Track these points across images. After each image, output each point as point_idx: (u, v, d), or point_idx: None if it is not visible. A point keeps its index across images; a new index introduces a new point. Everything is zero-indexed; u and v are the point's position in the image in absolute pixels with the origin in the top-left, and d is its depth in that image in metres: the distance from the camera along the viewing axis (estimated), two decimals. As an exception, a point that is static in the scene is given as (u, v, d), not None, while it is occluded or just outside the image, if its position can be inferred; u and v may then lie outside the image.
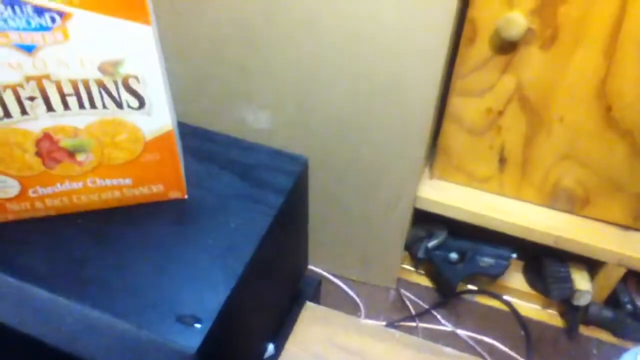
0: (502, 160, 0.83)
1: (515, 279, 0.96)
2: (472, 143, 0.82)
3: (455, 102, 0.78)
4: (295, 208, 0.56)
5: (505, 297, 0.96)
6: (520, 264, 0.98)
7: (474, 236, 0.91)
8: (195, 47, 0.76)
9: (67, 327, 0.43)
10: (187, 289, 0.44)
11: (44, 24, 0.36)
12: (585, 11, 0.65)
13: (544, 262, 0.91)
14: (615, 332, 0.91)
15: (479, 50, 0.72)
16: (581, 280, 0.87)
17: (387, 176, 0.83)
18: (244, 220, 0.50)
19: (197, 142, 0.56)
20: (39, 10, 0.36)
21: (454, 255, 0.91)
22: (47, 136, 0.43)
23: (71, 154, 0.44)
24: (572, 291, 0.86)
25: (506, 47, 0.71)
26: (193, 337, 0.41)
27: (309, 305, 0.63)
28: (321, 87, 0.76)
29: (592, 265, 0.88)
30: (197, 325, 0.42)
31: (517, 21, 0.68)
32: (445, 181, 0.88)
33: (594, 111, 0.73)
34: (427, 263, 0.95)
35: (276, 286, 0.59)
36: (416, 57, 0.70)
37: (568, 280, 0.87)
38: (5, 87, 0.39)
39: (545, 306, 0.96)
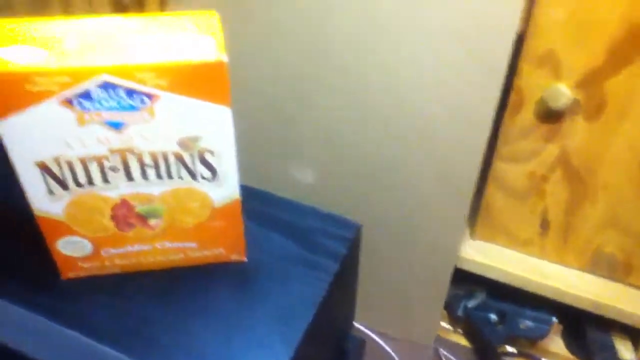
0: (544, 225, 0.83)
1: (555, 343, 0.95)
2: (514, 206, 0.83)
3: (500, 167, 0.80)
4: (349, 272, 0.58)
5: (545, 361, 0.95)
6: (560, 327, 0.97)
7: (513, 298, 0.91)
8: (249, 104, 0.80)
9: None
10: (247, 356, 0.45)
11: (133, 104, 0.39)
12: (632, 85, 0.67)
13: (586, 328, 0.90)
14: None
15: (524, 118, 0.74)
16: (625, 350, 0.86)
17: (429, 236, 0.84)
18: (301, 286, 0.51)
19: (253, 203, 0.58)
20: (130, 93, 0.39)
21: (493, 316, 0.91)
22: (124, 202, 0.46)
23: (144, 218, 0.47)
24: (614, 359, 0.85)
25: (552, 116, 0.73)
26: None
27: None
28: (368, 149, 0.78)
29: (636, 334, 0.87)
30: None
31: (563, 92, 0.70)
32: (486, 242, 0.88)
33: (639, 181, 0.74)
34: (466, 323, 0.95)
35: (326, 347, 0.60)
36: (462, 123, 0.72)
37: (611, 348, 0.86)
38: (91, 159, 0.42)
39: (586, 372, 0.94)
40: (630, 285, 0.84)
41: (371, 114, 0.75)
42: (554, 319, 0.89)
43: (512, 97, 0.73)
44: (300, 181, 0.84)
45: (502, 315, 0.91)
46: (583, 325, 0.90)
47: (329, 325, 0.57)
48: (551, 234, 0.84)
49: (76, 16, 0.41)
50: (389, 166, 0.79)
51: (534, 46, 0.68)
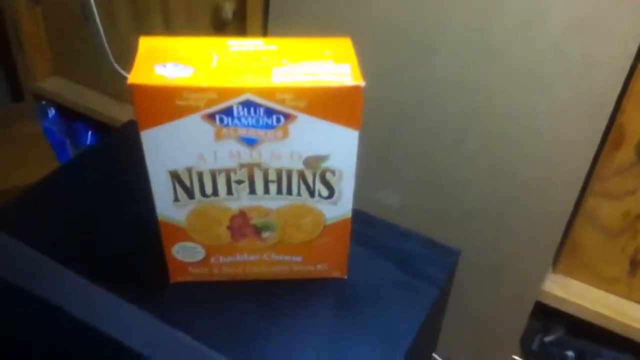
0: (634, 265, 0.81)
1: (634, 387, 0.92)
2: (604, 244, 0.81)
3: (592, 203, 0.78)
4: (445, 299, 0.58)
5: (620, 404, 0.92)
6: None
7: (592, 337, 0.89)
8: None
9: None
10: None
11: (270, 123, 0.41)
12: None
13: (669, 374, 0.87)
14: None
15: (623, 155, 0.73)
16: None
17: (514, 268, 0.83)
18: (401, 309, 0.52)
19: (357, 225, 0.59)
20: (269, 112, 0.40)
21: (571, 354, 0.89)
22: (242, 214, 0.47)
23: (258, 231, 0.49)
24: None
25: (653, 155, 0.71)
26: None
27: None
28: (459, 178, 0.78)
29: None
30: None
31: (668, 131, 0.68)
32: (570, 277, 0.87)
33: None
34: (540, 357, 0.93)
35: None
36: (562, 158, 0.71)
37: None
38: (221, 171, 0.44)
39: (665, 420, 0.91)
40: None
41: (477, 146, 0.75)
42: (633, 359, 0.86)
43: (613, 133, 0.72)
44: (398, 208, 0.84)
45: (579, 353, 0.88)
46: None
47: (418, 351, 0.57)
48: (640, 275, 0.81)
49: (221, 38, 0.43)
50: (484, 197, 0.78)
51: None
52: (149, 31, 0.96)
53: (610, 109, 0.66)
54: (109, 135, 0.72)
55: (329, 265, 0.53)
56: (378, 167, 0.82)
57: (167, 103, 0.39)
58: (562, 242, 0.85)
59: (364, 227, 0.58)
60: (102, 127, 1.22)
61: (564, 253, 0.85)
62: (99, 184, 0.63)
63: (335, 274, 0.54)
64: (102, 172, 0.64)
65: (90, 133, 1.25)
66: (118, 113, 1.14)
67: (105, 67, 1.02)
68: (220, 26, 0.93)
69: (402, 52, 0.73)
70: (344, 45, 0.43)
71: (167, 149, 0.42)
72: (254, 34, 0.87)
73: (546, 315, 0.90)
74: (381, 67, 0.75)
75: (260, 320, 0.50)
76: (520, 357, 0.97)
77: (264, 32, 0.87)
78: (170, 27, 0.98)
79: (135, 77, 0.40)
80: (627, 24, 0.61)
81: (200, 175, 0.44)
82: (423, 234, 0.59)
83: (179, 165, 0.43)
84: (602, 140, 0.74)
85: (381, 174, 0.83)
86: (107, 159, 0.66)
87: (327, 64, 0.42)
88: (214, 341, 0.48)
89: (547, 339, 0.89)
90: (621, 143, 0.72)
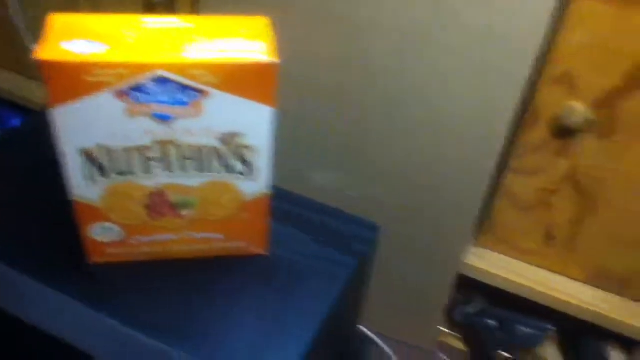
0: (549, 237, 0.85)
1: (551, 351, 0.98)
2: (521, 218, 0.85)
3: (510, 179, 0.82)
4: (365, 272, 0.60)
5: (538, 369, 0.97)
6: (558, 336, 1.00)
7: (512, 306, 0.93)
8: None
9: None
10: (267, 342, 0.47)
11: (182, 99, 0.41)
12: (646, 108, 0.69)
13: (582, 338, 0.92)
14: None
15: (538, 133, 0.76)
16: (617, 359, 0.89)
17: (435, 241, 0.86)
18: (320, 281, 0.53)
19: (277, 202, 0.60)
20: (181, 88, 0.40)
21: (492, 322, 0.93)
22: (159, 192, 0.47)
23: (177, 209, 0.48)
24: (607, 370, 0.88)
25: (565, 133, 0.75)
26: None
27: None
28: (382, 157, 0.80)
29: (630, 345, 0.90)
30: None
31: (578, 110, 0.72)
32: (490, 250, 0.90)
33: (645, 200, 0.76)
34: (465, 328, 0.97)
35: (336, 344, 0.62)
36: (477, 135, 0.74)
37: (604, 357, 0.88)
38: (135, 149, 0.44)
39: (577, 381, 0.97)
40: (628, 298, 0.86)
41: (401, 126, 0.77)
42: (551, 327, 0.91)
43: (528, 112, 0.75)
44: (323, 185, 0.85)
45: (500, 322, 0.93)
46: (579, 335, 0.93)
47: (342, 321, 0.59)
48: (555, 246, 0.86)
49: (134, 15, 0.42)
50: (402, 171, 0.81)
51: (554, 66, 0.70)
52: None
53: (521, 86, 0.69)
54: (29, 117, 0.70)
55: (250, 241, 0.53)
56: (308, 148, 0.83)
57: (77, 79, 0.38)
58: (483, 217, 0.89)
59: (285, 203, 0.59)
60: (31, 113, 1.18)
61: (484, 227, 0.89)
62: (18, 167, 0.61)
63: (256, 251, 0.54)
64: (22, 155, 0.62)
65: (20, 120, 1.20)
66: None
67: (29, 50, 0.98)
68: (150, 7, 0.90)
69: (334, 33, 0.74)
70: (261, 24, 0.44)
71: (79, 127, 0.42)
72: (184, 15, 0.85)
73: (469, 287, 0.94)
74: (312, 46, 0.75)
75: (180, 297, 0.50)
76: (446, 328, 1.01)
77: (195, 13, 0.86)
78: (98, 9, 0.95)
79: (44, 52, 0.39)
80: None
81: (113, 153, 0.43)
82: (344, 210, 0.60)
83: (92, 143, 0.43)
84: (520, 119, 0.77)
85: (312, 155, 0.84)
86: (26, 141, 0.64)
87: (241, 41, 0.42)
88: (134, 319, 0.48)
89: (470, 309, 0.93)
90: (536, 121, 0.76)
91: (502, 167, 0.81)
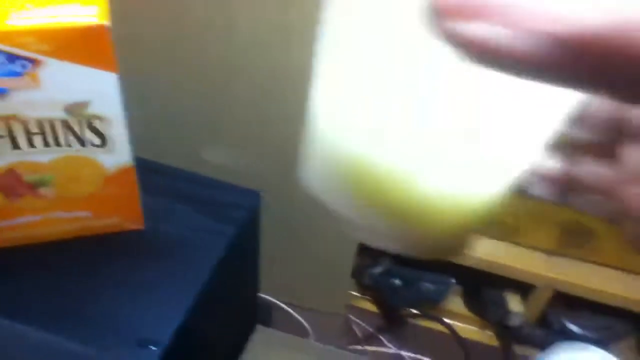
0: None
1: (455, 303, 1.02)
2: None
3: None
4: (249, 239, 0.60)
5: (446, 320, 1.01)
6: (460, 289, 1.04)
7: (416, 264, 0.97)
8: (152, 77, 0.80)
9: (27, 354, 0.45)
10: (145, 314, 0.47)
11: (15, 70, 0.39)
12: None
13: (481, 287, 0.97)
14: (545, 350, 0.97)
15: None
16: (514, 303, 0.93)
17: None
18: (198, 250, 0.53)
19: (152, 176, 0.59)
20: (11, 58, 0.39)
21: (397, 282, 0.96)
22: (10, 171, 0.45)
23: (34, 188, 0.47)
24: (505, 313, 0.93)
25: None
26: (151, 358, 0.43)
27: (260, 328, 0.66)
28: (270, 123, 0.80)
29: (524, 289, 0.95)
30: (154, 348, 0.44)
31: None
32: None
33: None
34: (373, 289, 1.00)
35: (229, 313, 0.62)
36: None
37: (502, 303, 0.93)
38: (-26, 127, 0.42)
39: (483, 328, 1.01)
40: (518, 244, 0.91)
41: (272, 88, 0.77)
42: (452, 281, 0.95)
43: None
44: (208, 159, 0.85)
45: (405, 280, 0.96)
46: (479, 286, 0.97)
47: (230, 289, 0.59)
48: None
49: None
50: (287, 137, 0.81)
51: None
52: None
53: None
54: None
55: (122, 217, 0.52)
56: (192, 119, 0.82)
57: None
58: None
59: (160, 177, 0.59)
60: None
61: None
62: None
63: (132, 226, 0.53)
64: None
65: None
66: None
67: None
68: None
69: None
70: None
71: None
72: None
73: (373, 249, 0.97)
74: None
75: (50, 278, 0.49)
76: (356, 292, 1.03)
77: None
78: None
79: None
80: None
81: (-49, 133, 0.42)
82: (224, 180, 0.60)
83: None
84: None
85: (197, 127, 0.83)
86: None
87: (72, 6, 0.40)
88: (13, 310, 0.46)
89: (376, 271, 0.96)
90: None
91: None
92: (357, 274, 0.98)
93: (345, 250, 0.93)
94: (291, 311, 0.98)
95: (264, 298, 0.99)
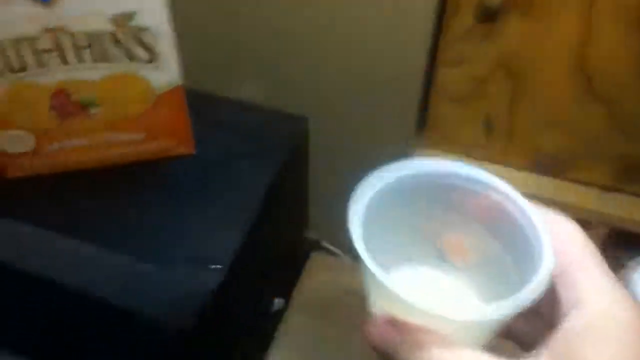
0: (488, 128, 0.86)
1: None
2: (458, 112, 0.85)
3: (442, 73, 0.81)
4: (298, 165, 0.59)
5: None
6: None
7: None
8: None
9: (87, 270, 0.45)
10: (204, 234, 0.47)
11: (61, -24, 0.39)
12: (563, -24, 0.69)
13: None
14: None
15: (463, 20, 0.76)
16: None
17: (379, 144, 0.85)
18: (250, 174, 0.52)
19: (198, 103, 0.58)
20: (57, -37, 0.38)
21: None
22: (61, 90, 0.45)
23: (84, 107, 0.47)
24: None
25: (488, 16, 0.74)
26: (212, 277, 0.43)
27: (315, 255, 0.65)
28: (313, 53, 0.79)
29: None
30: (216, 267, 0.44)
31: (498, -11, 0.71)
32: (433, 150, 0.91)
33: (575, 81, 0.77)
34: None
35: (280, 240, 0.62)
36: (403, 28, 0.73)
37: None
38: (21, 40, 0.42)
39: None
40: (571, 180, 0.88)
41: (325, 22, 0.75)
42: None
43: (450, 1, 0.75)
44: (251, 89, 0.83)
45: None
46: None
47: (282, 215, 0.59)
48: (495, 137, 0.86)
49: None
50: (337, 70, 0.79)
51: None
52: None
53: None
54: None
55: (173, 140, 0.52)
56: (239, 49, 0.80)
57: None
58: (424, 117, 0.89)
59: (206, 105, 0.58)
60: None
61: (426, 127, 0.89)
62: None
63: (183, 150, 0.53)
64: None
65: None
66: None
67: None
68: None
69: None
70: None
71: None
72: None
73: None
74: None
75: (112, 199, 0.49)
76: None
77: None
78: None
79: None
80: None
81: (2, 49, 0.41)
82: (268, 107, 0.59)
83: (-26, 38, 0.41)
84: (443, 9, 0.76)
85: (243, 55, 0.81)
86: None
87: None
88: (63, 224, 0.47)
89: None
90: (459, 7, 0.75)
91: (434, 61, 0.81)
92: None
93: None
94: (330, 246, 0.97)
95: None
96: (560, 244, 0.28)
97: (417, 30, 0.72)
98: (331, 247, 0.97)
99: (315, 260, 0.66)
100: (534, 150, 0.87)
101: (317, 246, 0.78)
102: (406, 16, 0.71)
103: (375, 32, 0.74)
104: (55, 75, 0.44)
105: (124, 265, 0.45)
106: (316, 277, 0.64)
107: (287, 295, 0.65)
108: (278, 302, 0.63)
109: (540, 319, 0.29)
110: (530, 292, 0.26)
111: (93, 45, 0.43)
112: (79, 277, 0.44)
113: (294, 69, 0.81)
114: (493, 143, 0.89)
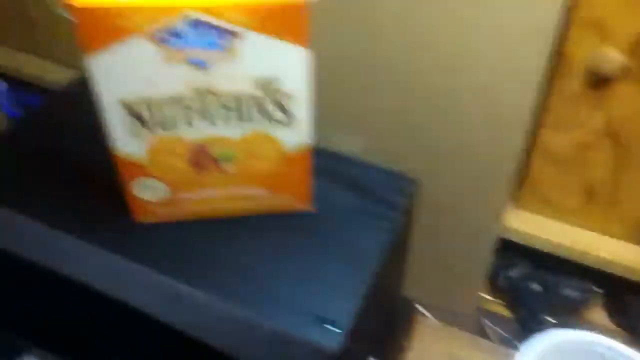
0: (590, 194, 0.84)
1: (598, 314, 0.96)
2: (559, 176, 0.83)
3: (545, 135, 0.80)
4: (408, 227, 0.59)
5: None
6: (603, 298, 0.98)
7: (556, 269, 0.92)
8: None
9: (214, 323, 0.47)
10: (321, 296, 0.48)
11: (218, 42, 0.41)
12: (683, 48, 0.67)
13: (629, 299, 0.90)
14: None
15: (572, 85, 0.75)
16: (668, 317, 0.86)
17: (473, 203, 0.85)
18: (366, 235, 0.53)
19: (316, 159, 0.60)
20: (216, 31, 0.41)
21: (535, 286, 0.92)
22: (201, 145, 0.48)
23: (218, 162, 0.49)
24: (658, 327, 0.86)
25: (600, 82, 0.73)
26: (335, 339, 0.44)
27: (423, 319, 0.65)
28: (415, 115, 0.79)
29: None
30: (332, 328, 0.45)
31: (612, 57, 0.70)
32: (530, 212, 0.89)
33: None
34: (508, 292, 0.96)
35: (384, 303, 0.62)
36: (509, 89, 0.73)
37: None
38: (174, 100, 0.44)
39: (628, 342, 0.94)
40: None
41: (430, 81, 0.76)
42: (596, 289, 0.89)
43: (559, 62, 0.74)
44: (354, 147, 0.84)
45: (544, 285, 0.91)
46: (626, 296, 0.91)
47: (390, 277, 0.59)
48: (596, 204, 0.84)
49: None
50: (438, 133, 0.80)
51: (584, 12, 0.69)
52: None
53: (550, 34, 0.67)
54: (56, 90, 0.71)
55: (294, 196, 0.53)
56: (339, 109, 0.82)
57: (107, 24, 0.39)
58: (522, 178, 0.87)
59: (324, 160, 0.59)
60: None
61: (524, 188, 0.88)
62: (56, 134, 0.62)
63: (301, 206, 0.54)
64: (58, 123, 0.63)
65: (37, 99, 1.22)
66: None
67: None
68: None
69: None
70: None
71: (115, 76, 0.42)
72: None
73: (510, 251, 0.93)
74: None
75: (228, 252, 0.51)
76: (488, 294, 1.00)
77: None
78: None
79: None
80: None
81: (153, 105, 0.44)
82: (383, 166, 0.60)
83: (130, 94, 0.43)
84: (552, 71, 0.76)
85: (341, 117, 0.83)
86: (60, 110, 0.65)
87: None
88: (184, 275, 0.49)
89: (512, 274, 0.92)
90: (569, 73, 0.74)
91: (538, 122, 0.80)
92: (492, 276, 0.95)
93: (481, 249, 0.90)
94: (422, 309, 0.97)
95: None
96: None
97: (524, 90, 0.72)
98: (422, 310, 0.96)
99: (426, 326, 0.65)
100: (636, 220, 0.84)
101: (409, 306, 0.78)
102: (514, 76, 0.71)
103: (480, 90, 0.74)
104: (200, 131, 0.46)
105: (241, 320, 0.46)
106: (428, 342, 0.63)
107: (382, 356, 0.64)
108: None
109: None
110: None
111: (235, 106, 0.45)
112: (204, 330, 0.46)
113: (401, 130, 0.82)
114: (593, 210, 0.87)
